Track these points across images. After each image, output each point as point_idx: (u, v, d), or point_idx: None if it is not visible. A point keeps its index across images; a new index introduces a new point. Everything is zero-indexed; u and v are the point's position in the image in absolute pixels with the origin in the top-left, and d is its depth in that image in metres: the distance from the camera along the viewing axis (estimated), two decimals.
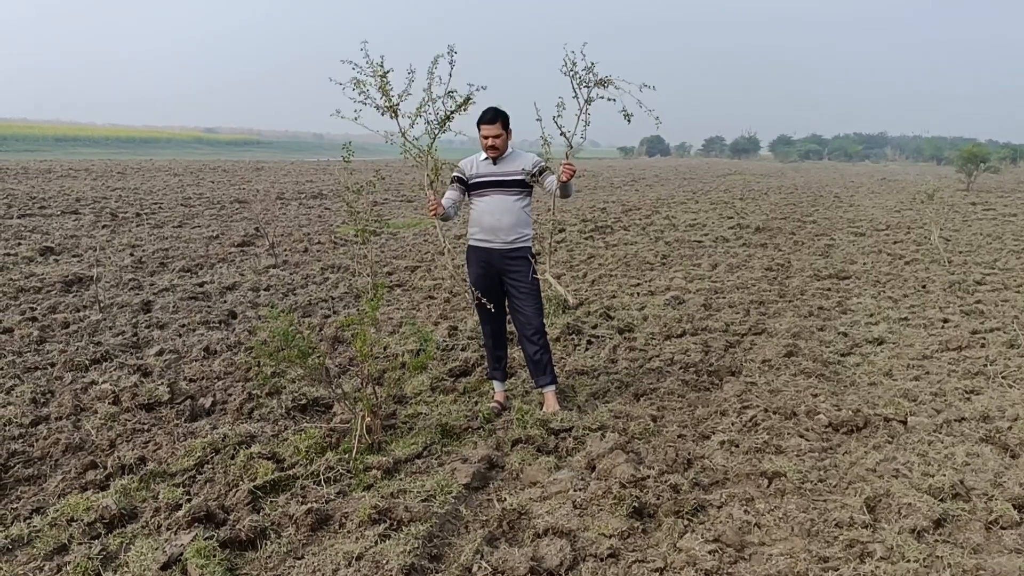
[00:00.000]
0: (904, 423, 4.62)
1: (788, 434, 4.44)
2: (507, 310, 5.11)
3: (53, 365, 5.74)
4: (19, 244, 11.22)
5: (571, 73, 4.45)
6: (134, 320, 7.23)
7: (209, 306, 7.98)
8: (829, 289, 9.18)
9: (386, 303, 8.44)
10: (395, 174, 32.31)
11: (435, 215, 4.62)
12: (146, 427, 4.59)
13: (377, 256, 11.31)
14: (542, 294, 5.05)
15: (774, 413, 4.76)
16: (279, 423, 4.68)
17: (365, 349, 4.01)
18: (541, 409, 4.91)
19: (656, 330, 7.06)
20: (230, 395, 5.20)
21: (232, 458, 4.08)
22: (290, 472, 3.86)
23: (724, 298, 8.57)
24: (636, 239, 13.67)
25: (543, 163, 4.86)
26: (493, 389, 5.24)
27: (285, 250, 11.88)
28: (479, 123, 4.75)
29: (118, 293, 8.47)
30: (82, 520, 3.36)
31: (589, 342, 6.72)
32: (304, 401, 5.00)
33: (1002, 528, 3.38)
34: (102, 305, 7.71)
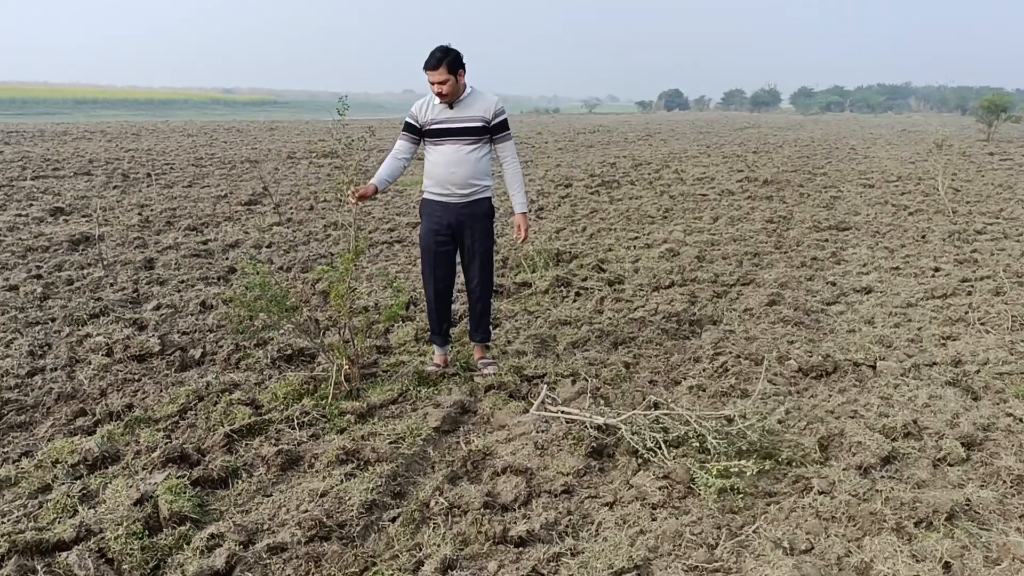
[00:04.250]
0: (873, 368, 4.70)
1: (756, 379, 4.53)
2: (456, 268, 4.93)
3: (53, 320, 5.93)
4: (31, 205, 11.43)
5: None
6: (135, 277, 7.42)
7: (210, 263, 8.15)
8: (826, 240, 9.19)
9: (385, 258, 8.57)
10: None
11: (355, 200, 4.42)
12: (136, 377, 4.77)
13: (381, 213, 11.42)
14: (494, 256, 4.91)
15: (745, 359, 4.86)
16: (264, 372, 4.85)
17: (339, 302, 4.14)
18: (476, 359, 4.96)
19: (645, 281, 7.14)
20: (220, 346, 5.36)
21: (214, 404, 4.25)
22: (266, 417, 4.03)
23: (719, 250, 8.61)
24: (641, 193, 13.66)
25: (504, 113, 4.65)
26: (432, 353, 5.05)
27: (291, 208, 12.01)
28: (424, 68, 4.41)
29: (123, 251, 8.65)
30: (66, 462, 3.54)
31: (578, 294, 6.81)
32: (290, 352, 5.15)
33: (948, 465, 3.47)
34: (105, 263, 7.90)
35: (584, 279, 7.29)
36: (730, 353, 4.95)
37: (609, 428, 3.75)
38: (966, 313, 5.88)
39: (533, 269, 7.42)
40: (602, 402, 4.21)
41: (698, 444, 3.51)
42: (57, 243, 8.83)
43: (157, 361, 5.06)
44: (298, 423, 3.98)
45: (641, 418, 3.68)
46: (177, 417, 4.15)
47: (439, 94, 4.45)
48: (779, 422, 3.78)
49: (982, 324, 5.59)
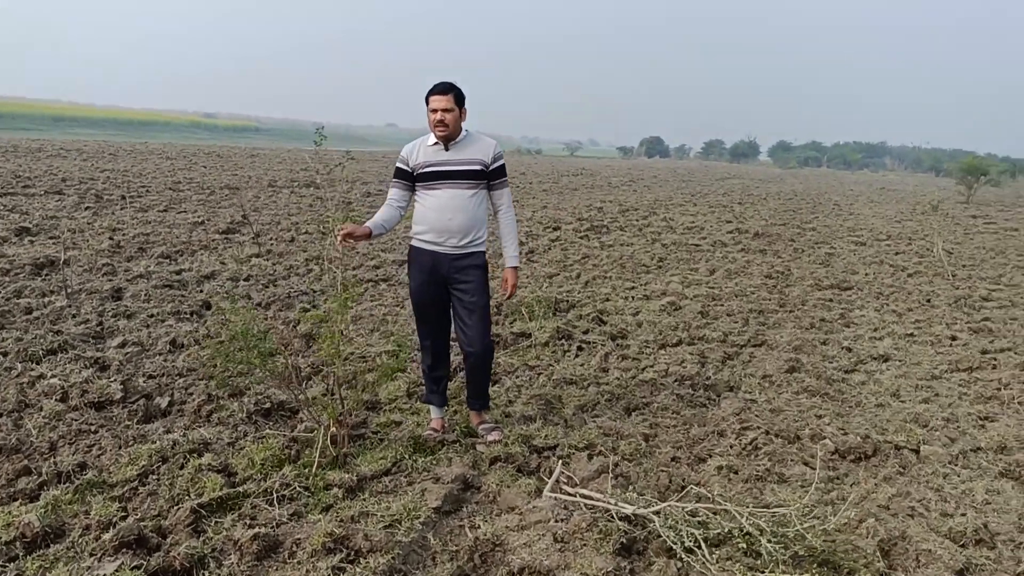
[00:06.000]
0: (916, 452, 4.27)
1: (791, 460, 4.08)
2: (452, 324, 4.39)
3: (5, 355, 5.35)
4: None
5: None
6: (101, 308, 6.84)
7: (183, 295, 7.60)
8: (831, 300, 8.84)
9: (369, 298, 8.06)
10: (388, 164, 31.83)
11: (341, 240, 3.86)
12: (93, 428, 4.21)
13: (366, 249, 10.92)
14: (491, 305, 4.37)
15: (776, 436, 4.40)
16: (238, 428, 4.30)
17: (331, 350, 3.64)
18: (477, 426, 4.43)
19: (651, 338, 6.70)
20: (190, 394, 4.82)
21: (181, 468, 3.71)
22: (241, 488, 3.48)
23: (722, 305, 8.21)
24: (632, 240, 13.31)
25: (502, 159, 4.22)
26: (430, 415, 4.50)
27: (271, 239, 11.48)
28: (428, 95, 4.03)
29: (90, 278, 8.08)
30: (0, 539, 2.98)
31: (580, 348, 6.35)
32: (268, 405, 4.61)
33: None
34: (69, 291, 7.31)
35: (585, 331, 6.83)
36: (757, 428, 4.49)
37: (638, 518, 3.26)
38: (998, 391, 5.50)
39: (532, 318, 6.96)
40: (624, 482, 3.73)
41: (745, 545, 3.04)
42: (19, 266, 8.23)
43: (118, 410, 4.49)
44: (277, 497, 3.44)
45: (676, 509, 3.20)
46: (136, 482, 3.59)
47: (439, 123, 4.02)
48: (843, 524, 3.31)
49: (1020, 404, 5.20)
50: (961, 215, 21.48)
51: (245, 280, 8.52)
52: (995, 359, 6.33)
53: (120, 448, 3.95)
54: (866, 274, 10.75)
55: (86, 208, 13.30)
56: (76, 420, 4.28)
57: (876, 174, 76.18)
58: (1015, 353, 6.51)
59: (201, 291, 7.87)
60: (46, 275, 8.12)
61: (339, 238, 3.87)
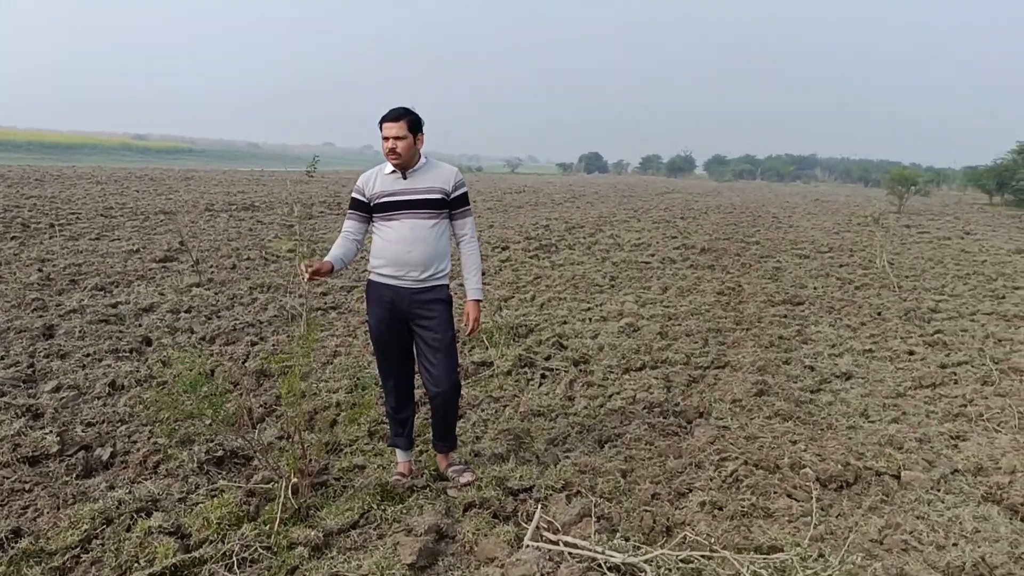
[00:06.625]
0: (898, 478, 4.19)
1: (774, 493, 3.95)
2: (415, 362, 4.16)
3: None
4: None
5: None
6: (32, 348, 6.40)
7: (121, 331, 7.18)
8: (785, 316, 8.85)
9: (320, 327, 7.75)
10: (344, 184, 31.30)
11: (309, 278, 3.66)
12: (27, 487, 3.86)
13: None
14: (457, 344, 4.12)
15: (756, 466, 4.28)
16: (189, 481, 3.98)
17: (290, 398, 3.38)
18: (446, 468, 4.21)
19: (614, 362, 6.56)
20: (134, 443, 4.48)
21: (127, 531, 3.39)
22: (197, 554, 3.18)
23: (680, 325, 8.14)
24: (582, 258, 13.23)
25: (464, 187, 4.03)
26: (395, 458, 4.26)
27: (211, 266, 11.05)
28: (380, 121, 3.82)
29: (18, 315, 7.59)
30: None
31: (543, 375, 6.17)
32: (221, 452, 4.30)
33: None
34: None
35: (547, 357, 6.66)
36: (736, 459, 4.36)
37: (628, 567, 3.08)
38: (963, 407, 5.49)
39: (492, 345, 6.75)
40: (607, 525, 3.54)
41: None
42: None
43: (55, 464, 4.13)
44: (238, 560, 3.15)
45: (669, 557, 3.03)
46: (79, 548, 3.27)
47: (391, 151, 3.80)
48: (821, 556, 3.18)
49: (987, 421, 5.20)
50: (895, 225, 22.03)
51: (187, 312, 8.13)
52: (955, 374, 6.36)
53: (58, 509, 3.62)
54: (815, 288, 10.84)
55: (12, 238, 12.64)
56: (8, 478, 3.92)
57: (808, 185, 78.24)
58: (972, 367, 6.56)
59: (140, 325, 7.46)
60: None
61: (306, 276, 3.62)
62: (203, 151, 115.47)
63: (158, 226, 15.30)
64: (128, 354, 6.44)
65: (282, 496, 3.44)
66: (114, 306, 8.18)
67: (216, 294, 9.08)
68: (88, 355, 6.29)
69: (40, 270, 9.89)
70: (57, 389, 5.39)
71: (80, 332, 7.01)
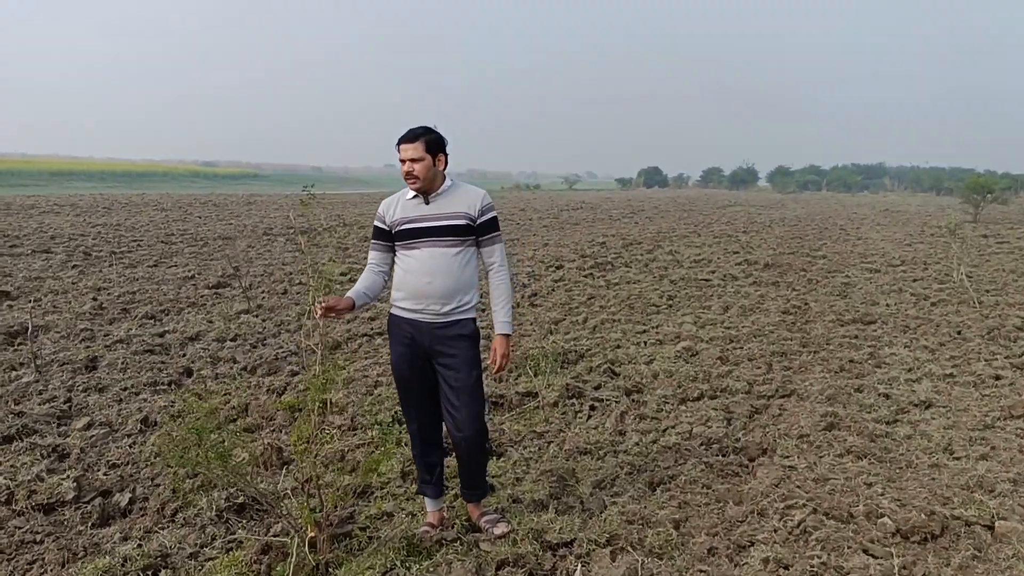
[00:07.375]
0: (991, 528, 3.69)
1: (848, 548, 3.49)
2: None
3: None
4: None
5: None
6: (71, 382, 6.31)
7: (164, 362, 7.07)
8: (856, 336, 8.27)
9: (364, 355, 7.52)
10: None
11: (321, 315, 3.38)
12: (38, 538, 3.65)
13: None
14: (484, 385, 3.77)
15: (826, 516, 3.82)
16: (206, 531, 3.73)
17: (300, 446, 3.09)
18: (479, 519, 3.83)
19: (669, 391, 6.14)
20: (157, 486, 4.27)
21: None
22: None
23: (741, 348, 7.65)
24: (639, 277, 12.79)
25: (493, 211, 3.70)
26: (425, 508, 3.92)
27: (263, 291, 10.99)
28: (397, 143, 3.56)
29: (65, 346, 7.57)
30: None
31: (592, 407, 5.79)
32: (242, 498, 4.04)
33: None
34: (39, 364, 6.79)
35: (597, 386, 6.28)
36: (804, 506, 3.91)
37: None
38: None
39: (538, 373, 6.40)
40: None
41: None
42: None
43: (70, 512, 3.94)
44: None
45: None
46: None
47: (409, 174, 3.53)
48: None
49: None
50: (971, 235, 20.94)
51: (232, 340, 8.01)
52: None
53: (63, 566, 3.39)
54: (887, 305, 10.19)
55: (73, 267, 12.85)
56: (20, 528, 3.73)
57: (877, 195, 75.82)
58: None
59: (184, 355, 7.35)
60: (19, 345, 7.62)
61: (319, 312, 3.34)
62: (268, 176, 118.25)
63: (215, 252, 15.43)
64: (166, 387, 6.30)
65: (294, 555, 3.15)
66: (161, 335, 8.12)
67: (264, 321, 8.96)
68: (126, 388, 6.17)
69: (95, 299, 9.95)
70: (88, 427, 5.24)
71: (123, 364, 6.92)
